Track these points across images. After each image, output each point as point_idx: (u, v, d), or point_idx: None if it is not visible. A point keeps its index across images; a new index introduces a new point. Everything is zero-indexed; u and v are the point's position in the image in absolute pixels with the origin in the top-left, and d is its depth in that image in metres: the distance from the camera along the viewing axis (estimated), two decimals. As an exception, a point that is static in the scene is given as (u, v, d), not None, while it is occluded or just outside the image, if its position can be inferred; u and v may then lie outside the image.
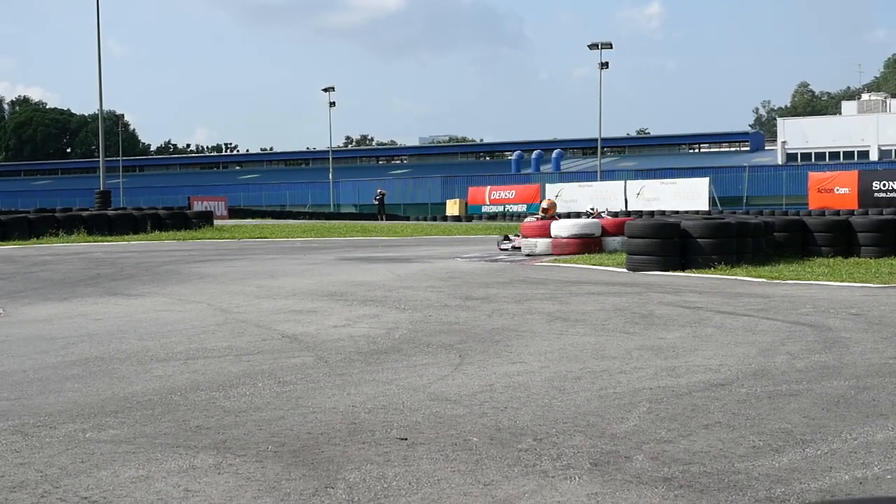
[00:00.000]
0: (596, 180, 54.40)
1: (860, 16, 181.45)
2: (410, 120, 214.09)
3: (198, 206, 42.67)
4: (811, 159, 64.56)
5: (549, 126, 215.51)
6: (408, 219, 52.49)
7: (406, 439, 4.44)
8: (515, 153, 77.36)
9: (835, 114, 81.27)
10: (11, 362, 6.71)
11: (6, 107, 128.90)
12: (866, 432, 4.51)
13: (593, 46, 54.19)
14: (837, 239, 15.70)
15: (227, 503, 3.63)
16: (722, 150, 78.37)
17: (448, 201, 57.66)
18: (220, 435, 4.56)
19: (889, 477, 3.86)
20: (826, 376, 5.85)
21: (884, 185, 39.44)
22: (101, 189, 38.51)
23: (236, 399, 5.37)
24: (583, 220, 19.25)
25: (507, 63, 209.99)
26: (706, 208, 41.85)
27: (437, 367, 6.34)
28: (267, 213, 55.49)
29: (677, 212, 39.67)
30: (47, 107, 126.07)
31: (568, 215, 35.31)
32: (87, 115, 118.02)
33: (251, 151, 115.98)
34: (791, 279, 12.39)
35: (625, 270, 14.14)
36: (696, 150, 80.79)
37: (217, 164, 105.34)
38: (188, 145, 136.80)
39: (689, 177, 49.52)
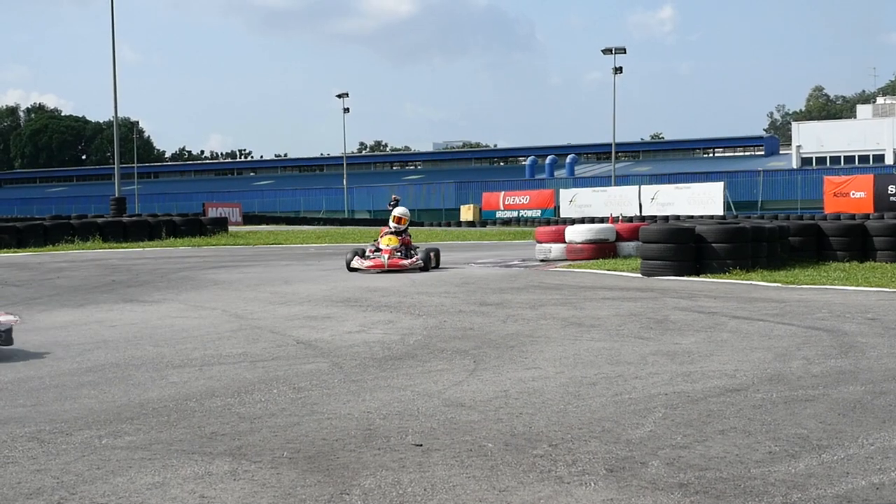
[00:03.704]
0: (610, 185, 54.36)
1: (874, 19, 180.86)
2: (424, 125, 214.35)
3: (212, 213, 42.87)
4: (826, 163, 64.33)
5: (562, 131, 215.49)
6: (422, 224, 52.53)
7: (421, 445, 4.44)
8: (529, 158, 77.26)
9: (850, 117, 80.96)
10: (28, 369, 6.73)
11: (22, 114, 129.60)
12: (883, 437, 4.49)
13: (607, 51, 54.20)
14: (853, 243, 15.64)
15: (243, 509, 3.64)
16: (736, 154, 78.07)
17: (462, 207, 57.71)
18: (235, 441, 4.57)
19: (907, 483, 3.84)
20: (842, 381, 5.83)
21: (900, 189, 39.28)
22: (117, 196, 38.71)
23: (252, 405, 5.37)
24: (597, 226, 19.24)
25: (519, 68, 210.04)
26: (721, 213, 41.71)
27: (451, 372, 6.34)
28: (281, 220, 55.66)
29: (692, 216, 39.61)
30: (62, 114, 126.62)
31: (583, 220, 35.30)
32: (101, 122, 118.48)
33: (265, 158, 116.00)
34: (806, 284, 12.35)
35: (639, 276, 14.12)
36: (711, 155, 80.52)
37: (231, 170, 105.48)
38: (202, 152, 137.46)
39: (704, 181, 49.44)
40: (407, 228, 16.63)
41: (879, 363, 6.47)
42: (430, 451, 4.35)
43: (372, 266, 15.34)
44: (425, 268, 15.62)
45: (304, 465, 4.16)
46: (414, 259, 15.63)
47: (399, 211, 16.63)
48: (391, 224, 16.44)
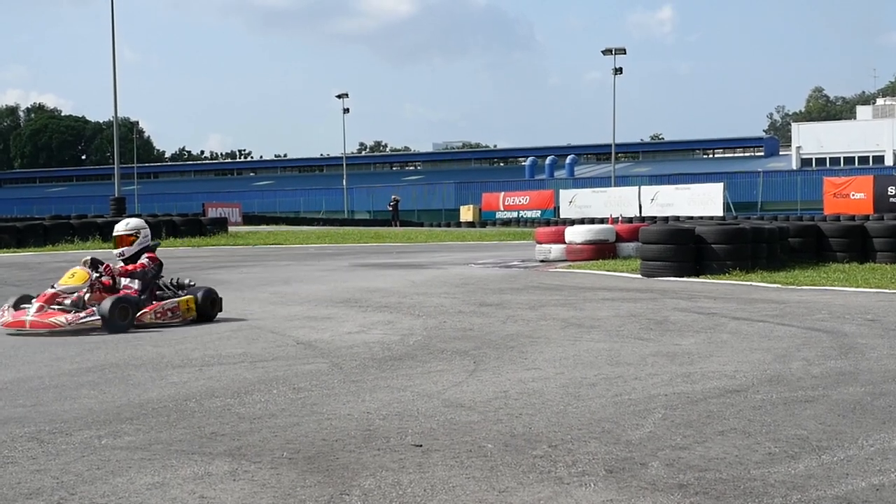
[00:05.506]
0: (610, 186, 54.35)
1: (874, 19, 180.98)
2: (424, 126, 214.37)
3: (212, 213, 42.82)
4: (826, 164, 64.34)
5: (562, 131, 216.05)
6: (422, 225, 52.52)
7: (421, 446, 4.44)
8: (529, 159, 77.22)
9: (849, 118, 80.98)
10: (28, 369, 6.74)
11: (21, 114, 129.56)
12: (883, 439, 4.49)
13: (607, 52, 54.25)
14: (852, 244, 15.66)
15: (243, 510, 3.64)
16: (736, 155, 78.09)
17: (462, 207, 57.66)
18: (235, 441, 4.57)
19: (906, 484, 3.84)
20: (842, 382, 5.83)
21: (900, 190, 39.28)
22: (116, 196, 38.69)
23: (251, 406, 5.37)
24: (597, 226, 19.27)
25: (519, 68, 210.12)
26: (720, 214, 41.70)
27: (451, 373, 6.34)
28: (281, 220, 55.55)
29: (691, 217, 39.61)
30: (62, 114, 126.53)
31: (583, 221, 35.28)
32: (101, 122, 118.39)
33: (265, 158, 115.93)
34: (806, 285, 12.35)
35: (639, 276, 14.12)
36: (711, 156, 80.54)
37: (231, 170, 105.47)
38: (202, 152, 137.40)
39: (704, 182, 49.38)
40: (141, 252, 9.57)
41: (879, 364, 6.47)
42: (430, 451, 4.35)
43: (10, 324, 8.53)
44: (114, 324, 8.46)
45: (304, 465, 4.16)
46: (76, 317, 8.44)
47: (123, 226, 9.85)
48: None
